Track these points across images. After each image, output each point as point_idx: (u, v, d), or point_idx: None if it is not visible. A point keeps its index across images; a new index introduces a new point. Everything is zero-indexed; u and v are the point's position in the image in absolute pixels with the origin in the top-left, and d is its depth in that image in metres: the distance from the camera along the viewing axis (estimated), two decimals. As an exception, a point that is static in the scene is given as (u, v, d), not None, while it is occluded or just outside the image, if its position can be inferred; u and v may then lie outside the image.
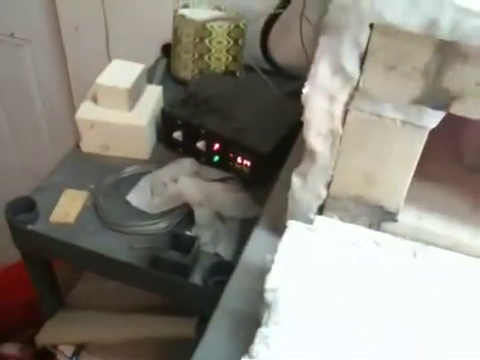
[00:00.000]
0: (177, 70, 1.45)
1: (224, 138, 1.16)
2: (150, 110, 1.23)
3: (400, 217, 0.77)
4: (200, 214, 1.07)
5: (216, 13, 1.44)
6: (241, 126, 1.17)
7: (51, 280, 1.27)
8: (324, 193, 0.78)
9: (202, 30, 1.35)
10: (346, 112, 0.70)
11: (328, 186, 0.77)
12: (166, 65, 1.52)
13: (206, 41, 1.36)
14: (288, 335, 0.61)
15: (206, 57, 1.38)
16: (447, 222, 0.79)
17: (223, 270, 0.92)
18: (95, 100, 1.22)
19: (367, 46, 0.64)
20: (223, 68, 1.41)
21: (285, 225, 0.73)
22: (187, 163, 1.18)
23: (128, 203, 1.12)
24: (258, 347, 0.60)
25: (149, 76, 1.35)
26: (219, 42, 1.36)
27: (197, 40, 1.36)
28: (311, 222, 0.76)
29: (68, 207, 1.10)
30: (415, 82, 0.64)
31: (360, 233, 0.75)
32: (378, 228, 0.79)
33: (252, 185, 1.15)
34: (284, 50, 1.49)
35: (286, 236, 0.72)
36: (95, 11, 1.63)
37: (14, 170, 2.28)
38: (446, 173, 0.87)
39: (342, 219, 0.80)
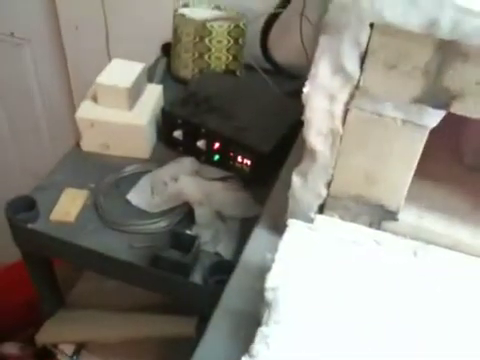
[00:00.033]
0: (177, 69, 1.46)
1: (224, 137, 1.16)
2: (150, 109, 1.23)
3: (400, 216, 0.77)
4: (200, 213, 1.07)
5: (216, 12, 1.44)
6: (241, 125, 1.17)
7: (51, 279, 1.27)
8: (324, 192, 0.78)
9: (202, 29, 1.35)
10: (346, 111, 0.70)
11: (328, 185, 0.77)
12: (166, 64, 1.52)
13: (206, 40, 1.36)
14: (288, 334, 0.61)
15: (206, 56, 1.38)
16: (447, 221, 0.79)
17: (223, 269, 0.92)
18: (95, 99, 1.22)
19: (367, 45, 0.63)
20: (223, 67, 1.41)
21: (285, 224, 0.73)
22: (187, 162, 1.18)
23: (128, 202, 1.12)
24: (258, 346, 0.60)
25: (149, 75, 1.35)
26: (219, 41, 1.36)
27: (197, 39, 1.36)
28: (311, 221, 0.76)
29: (68, 206, 1.10)
30: (415, 81, 0.64)
31: (360, 232, 0.75)
32: (378, 227, 0.79)
33: (252, 184, 1.15)
34: (284, 49, 1.49)
35: (286, 235, 0.72)
36: (95, 10, 1.63)
37: (14, 169, 2.28)
38: (446, 172, 0.87)
39: (342, 218, 0.80)
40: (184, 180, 1.12)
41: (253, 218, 0.97)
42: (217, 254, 1.03)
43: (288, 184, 0.80)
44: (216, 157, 1.19)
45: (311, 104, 0.70)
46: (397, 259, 0.71)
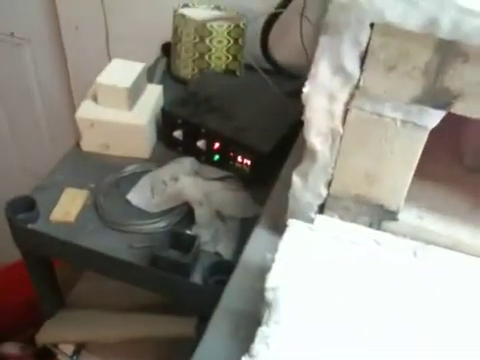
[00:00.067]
0: (177, 69, 1.46)
1: (224, 137, 1.16)
2: (150, 109, 1.23)
3: (400, 216, 0.77)
4: (200, 213, 1.07)
5: (216, 13, 1.44)
6: (241, 125, 1.17)
7: (51, 279, 1.27)
8: (324, 192, 0.78)
9: (202, 29, 1.35)
10: (346, 111, 0.70)
11: (328, 185, 0.78)
12: (166, 64, 1.52)
13: (206, 40, 1.36)
14: (288, 334, 0.61)
15: (206, 56, 1.38)
16: (447, 221, 0.79)
17: (223, 269, 0.92)
18: (95, 99, 1.22)
19: (367, 45, 0.64)
20: (223, 67, 1.41)
21: (285, 224, 0.73)
22: (187, 162, 1.18)
23: (128, 202, 1.12)
24: (258, 346, 0.60)
25: (149, 75, 1.35)
26: (219, 41, 1.36)
27: (197, 39, 1.36)
28: (312, 221, 0.76)
29: (68, 206, 1.10)
30: (415, 81, 0.64)
31: (360, 232, 0.75)
32: (378, 227, 0.79)
33: (252, 184, 1.15)
34: (284, 49, 1.49)
35: (286, 235, 0.72)
36: (95, 10, 1.63)
37: (14, 169, 2.28)
38: (446, 172, 0.87)
39: (342, 218, 0.80)
40: (184, 180, 1.12)
41: (253, 218, 0.97)
42: (217, 254, 1.03)
43: (288, 184, 0.80)
44: (216, 157, 1.19)
45: (311, 104, 0.70)
46: (397, 259, 0.72)
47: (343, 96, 0.68)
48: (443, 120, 0.66)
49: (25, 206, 1.07)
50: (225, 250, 1.03)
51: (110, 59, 1.31)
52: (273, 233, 0.86)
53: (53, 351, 1.31)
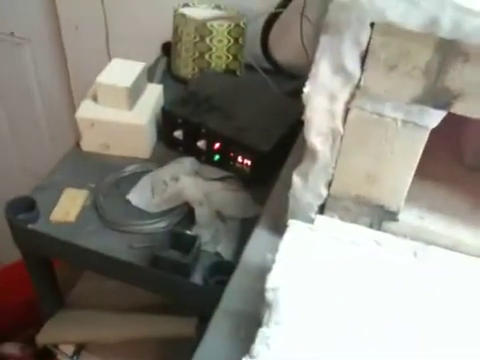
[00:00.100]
0: (177, 69, 1.45)
1: (224, 137, 1.16)
2: (150, 109, 1.23)
3: (401, 217, 0.77)
4: (200, 213, 1.07)
5: (216, 12, 1.44)
6: (241, 125, 1.17)
7: (51, 279, 1.27)
8: (325, 192, 0.78)
9: (202, 29, 1.35)
10: (347, 111, 0.69)
11: (329, 185, 0.77)
12: (166, 64, 1.52)
13: (207, 40, 1.36)
14: (289, 335, 0.61)
15: (206, 56, 1.38)
16: (448, 222, 0.79)
17: (223, 270, 0.92)
18: (95, 99, 1.22)
19: (368, 45, 0.63)
20: (223, 67, 1.41)
21: (286, 224, 0.73)
22: (187, 162, 1.18)
23: (128, 202, 1.12)
24: (259, 347, 0.60)
25: (149, 75, 1.35)
26: (219, 41, 1.36)
27: (197, 39, 1.36)
28: (312, 221, 0.76)
29: (68, 206, 1.10)
30: (416, 81, 0.64)
31: (361, 233, 0.75)
32: (379, 228, 0.79)
33: (252, 184, 1.15)
34: (284, 49, 1.49)
35: (287, 235, 0.72)
36: (95, 10, 1.63)
37: (14, 169, 2.28)
38: (447, 173, 0.87)
39: (343, 219, 0.79)
40: (184, 180, 1.12)
41: (253, 218, 0.97)
42: (217, 254, 1.03)
43: (288, 184, 0.80)
44: (216, 157, 1.19)
45: (312, 104, 0.70)
46: (397, 260, 0.71)
47: (344, 96, 0.68)
48: (444, 120, 0.66)
49: (25, 206, 1.07)
50: (225, 250, 1.03)
51: (110, 59, 1.31)
52: (273, 233, 0.85)
53: (53, 351, 1.31)
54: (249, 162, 1.14)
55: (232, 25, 1.36)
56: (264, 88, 1.36)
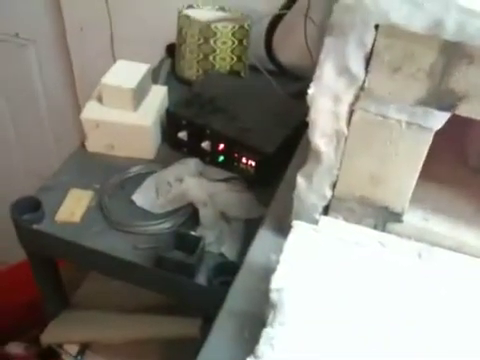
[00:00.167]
0: (182, 70, 1.46)
1: (229, 138, 1.16)
2: (155, 110, 1.23)
3: (405, 218, 0.77)
4: (205, 214, 1.07)
5: (220, 14, 1.44)
6: (246, 126, 1.17)
7: (56, 280, 1.27)
8: (329, 194, 0.78)
9: (207, 30, 1.35)
10: (351, 113, 0.70)
11: (333, 187, 0.77)
12: (171, 65, 1.52)
13: (211, 41, 1.36)
14: (293, 336, 0.61)
15: (211, 57, 1.39)
16: (452, 223, 0.79)
17: (228, 270, 0.92)
18: (100, 100, 1.22)
19: (372, 47, 0.63)
20: (228, 68, 1.42)
21: (290, 225, 0.73)
22: (192, 163, 1.19)
23: (133, 203, 1.12)
24: (263, 347, 0.60)
25: (154, 76, 1.35)
26: (224, 42, 1.36)
27: (202, 40, 1.36)
28: (316, 223, 0.76)
29: (73, 207, 1.10)
30: (420, 83, 0.64)
31: (365, 234, 0.75)
32: (383, 229, 0.79)
33: (257, 185, 1.15)
34: (288, 50, 1.49)
35: (291, 236, 0.72)
36: (100, 12, 1.63)
37: (19, 170, 2.28)
38: (451, 174, 0.87)
39: (347, 220, 0.80)
40: (189, 181, 1.12)
41: (257, 219, 0.97)
42: (221, 255, 1.03)
43: (293, 185, 0.80)
44: (220, 158, 1.19)
45: (316, 105, 0.70)
46: (402, 261, 0.71)
47: (348, 97, 0.68)
48: (448, 122, 0.66)
49: (30, 207, 1.08)
50: (230, 251, 1.03)
51: (115, 60, 1.31)
52: (278, 234, 0.86)
53: (58, 351, 1.31)
54: (253, 163, 1.14)
55: (236, 27, 1.36)
56: (268, 89, 1.36)
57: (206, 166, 1.20)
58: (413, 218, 0.78)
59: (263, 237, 0.87)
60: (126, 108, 1.20)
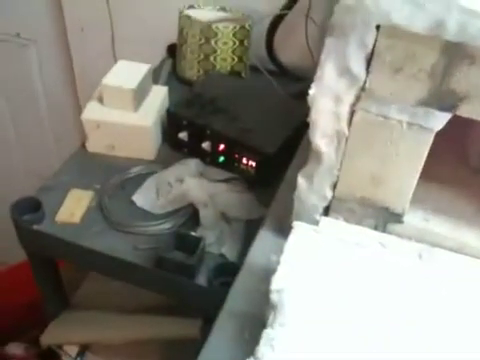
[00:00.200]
0: (183, 70, 1.46)
1: (229, 139, 1.16)
2: (156, 110, 1.23)
3: (406, 219, 0.77)
4: (205, 215, 1.07)
5: (222, 14, 1.44)
6: (246, 127, 1.17)
7: (56, 280, 1.27)
8: (330, 194, 0.78)
9: (208, 31, 1.35)
10: (352, 113, 0.70)
11: (334, 187, 0.77)
12: (172, 65, 1.52)
13: (212, 42, 1.36)
14: (294, 337, 0.61)
15: (212, 58, 1.39)
16: (453, 224, 0.79)
17: (228, 271, 0.92)
18: (101, 100, 1.22)
19: (373, 47, 0.63)
20: (229, 69, 1.42)
21: (290, 226, 0.73)
22: (192, 164, 1.18)
23: (133, 203, 1.12)
24: (263, 348, 0.60)
25: (154, 76, 1.35)
26: (225, 43, 1.36)
27: (203, 41, 1.36)
28: (317, 223, 0.76)
29: (74, 207, 1.10)
30: (421, 83, 0.64)
31: (366, 235, 0.75)
32: (384, 230, 0.79)
33: (257, 186, 1.15)
34: (289, 51, 1.49)
35: (292, 237, 0.72)
36: (101, 12, 1.63)
37: (19, 171, 2.28)
38: (452, 175, 0.87)
39: (348, 220, 0.79)
40: (189, 181, 1.12)
41: (258, 220, 0.97)
42: (222, 256, 1.03)
43: (293, 186, 0.80)
44: (221, 159, 1.19)
45: (317, 106, 0.70)
46: (402, 262, 0.71)
47: (349, 98, 0.68)
48: (449, 122, 0.66)
49: (30, 207, 1.08)
50: (230, 252, 1.03)
51: (116, 60, 1.31)
52: (278, 235, 0.86)
53: (57, 352, 1.31)
54: (254, 164, 1.14)
55: (237, 27, 1.36)
56: (269, 90, 1.36)
57: (206, 166, 1.20)
58: (414, 219, 0.78)
59: (263, 238, 0.87)
60: (127, 108, 1.20)
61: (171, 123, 1.24)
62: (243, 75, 1.45)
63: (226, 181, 1.17)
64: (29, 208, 1.08)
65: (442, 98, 0.64)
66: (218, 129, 1.17)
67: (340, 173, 0.75)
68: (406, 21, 0.59)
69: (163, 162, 1.21)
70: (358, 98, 0.68)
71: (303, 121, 0.74)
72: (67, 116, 2.00)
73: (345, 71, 0.66)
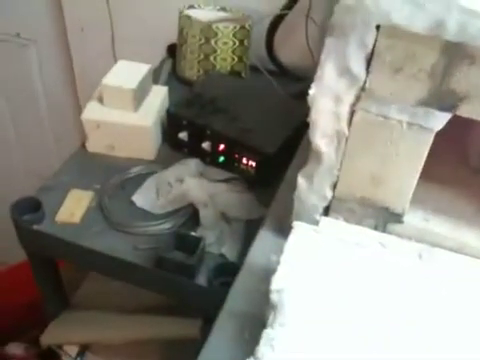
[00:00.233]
0: (183, 70, 1.46)
1: (229, 139, 1.16)
2: (156, 110, 1.23)
3: (406, 219, 0.77)
4: (205, 215, 1.07)
5: (222, 14, 1.44)
6: (246, 127, 1.17)
7: (56, 280, 1.27)
8: (330, 194, 0.78)
9: (208, 31, 1.35)
10: (352, 113, 0.70)
11: (334, 187, 0.77)
12: (172, 65, 1.52)
13: (212, 42, 1.36)
14: (294, 337, 0.61)
15: (212, 58, 1.39)
16: (453, 224, 0.79)
17: (228, 271, 0.92)
18: (101, 100, 1.22)
19: (373, 47, 0.63)
20: (229, 69, 1.42)
21: (290, 226, 0.73)
22: (192, 164, 1.18)
23: (133, 203, 1.12)
24: (263, 348, 0.60)
25: (154, 76, 1.35)
26: (225, 43, 1.36)
27: (203, 41, 1.36)
28: (317, 223, 0.76)
29: (73, 207, 1.10)
30: (421, 83, 0.64)
31: (365, 235, 0.75)
32: (384, 230, 0.79)
33: (257, 186, 1.15)
34: (289, 51, 1.49)
35: (292, 237, 0.72)
36: (100, 12, 1.63)
37: (19, 171, 2.28)
38: (452, 175, 0.87)
39: (348, 220, 0.79)
40: (189, 182, 1.12)
41: (258, 220, 0.97)
42: (222, 256, 1.03)
43: (293, 186, 0.80)
44: (221, 159, 1.19)
45: (317, 106, 0.70)
46: (402, 262, 0.71)
47: (349, 98, 0.68)
48: (449, 122, 0.66)
49: (30, 207, 1.08)
50: (230, 252, 1.03)
51: (116, 60, 1.31)
52: (278, 235, 0.86)
53: (57, 352, 1.31)
54: (254, 164, 1.14)
55: (237, 27, 1.36)
56: (269, 90, 1.36)
57: (206, 166, 1.20)
58: (414, 219, 0.78)
59: (263, 238, 0.87)
60: (127, 108, 1.20)
61: (171, 123, 1.24)
62: (243, 75, 1.45)
63: (226, 181, 1.17)
64: (29, 208, 1.08)
65: (442, 98, 0.64)
66: (218, 129, 1.17)
67: (340, 173, 0.75)
68: (406, 21, 0.59)
69: (163, 162, 1.21)
70: (358, 98, 0.68)
71: (303, 121, 0.74)
72: (67, 116, 2.00)
73: (345, 71, 0.66)
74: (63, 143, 1.97)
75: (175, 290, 1.03)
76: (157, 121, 1.24)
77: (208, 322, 0.78)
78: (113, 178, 1.17)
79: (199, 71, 1.42)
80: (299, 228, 0.73)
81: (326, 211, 0.81)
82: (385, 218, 0.78)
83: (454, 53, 0.60)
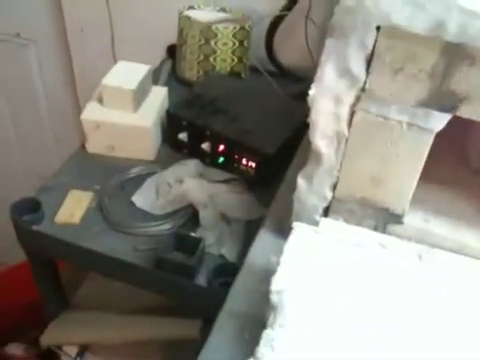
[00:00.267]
0: (182, 71, 1.46)
1: (229, 139, 1.16)
2: (155, 111, 1.23)
3: (406, 219, 0.77)
4: (205, 215, 1.07)
5: (221, 15, 1.44)
6: (246, 127, 1.17)
7: (55, 280, 1.27)
8: (330, 195, 0.78)
9: (207, 31, 1.35)
10: (352, 114, 0.70)
11: (334, 188, 0.77)
12: (171, 66, 1.52)
13: (211, 42, 1.36)
14: (293, 337, 0.61)
15: (211, 58, 1.39)
16: (453, 225, 0.79)
17: (228, 271, 0.92)
18: (101, 101, 1.22)
19: (373, 48, 0.63)
20: (228, 69, 1.42)
21: (290, 227, 0.73)
22: (192, 164, 1.18)
23: (133, 204, 1.12)
24: (263, 349, 0.60)
25: (154, 77, 1.35)
26: (224, 43, 1.36)
27: (202, 41, 1.36)
28: (316, 224, 0.76)
29: (73, 208, 1.10)
30: (421, 84, 0.64)
31: (365, 235, 0.75)
32: (383, 230, 0.79)
33: (257, 186, 1.15)
34: (289, 52, 1.49)
35: (292, 238, 0.72)
36: (100, 12, 1.63)
37: (18, 171, 2.29)
38: (452, 175, 0.87)
39: (347, 221, 0.79)
40: (189, 182, 1.12)
41: (258, 220, 0.97)
42: (221, 256, 1.03)
43: (293, 186, 0.80)
44: (221, 159, 1.19)
45: (317, 106, 0.70)
46: (402, 262, 0.71)
47: (349, 99, 0.68)
48: (449, 123, 0.66)
49: (30, 208, 1.08)
50: (230, 252, 1.03)
51: (115, 61, 1.31)
52: (278, 236, 0.86)
53: (57, 353, 1.31)
54: (254, 164, 1.14)
55: (237, 28, 1.36)
56: (269, 91, 1.36)
57: (206, 167, 1.20)
58: (414, 219, 0.78)
59: (263, 238, 0.87)
60: (126, 109, 1.20)
61: (171, 124, 1.24)
62: (243, 76, 1.45)
63: (226, 182, 1.17)
64: (29, 208, 1.08)
65: (442, 99, 0.64)
66: (218, 130, 1.17)
67: (340, 174, 0.75)
68: (406, 22, 0.59)
69: (163, 163, 1.21)
70: (358, 99, 0.68)
71: (303, 122, 0.74)
72: (67, 116, 2.00)
73: (345, 72, 0.66)
74: (63, 143, 1.97)
75: (175, 291, 1.03)
76: (157, 122, 1.24)
77: (208, 323, 0.77)
78: (113, 179, 1.17)
79: (199, 72, 1.42)
80: (299, 229, 0.73)
81: (326, 212, 0.81)
82: (385, 219, 0.78)
83: (454, 54, 0.60)
